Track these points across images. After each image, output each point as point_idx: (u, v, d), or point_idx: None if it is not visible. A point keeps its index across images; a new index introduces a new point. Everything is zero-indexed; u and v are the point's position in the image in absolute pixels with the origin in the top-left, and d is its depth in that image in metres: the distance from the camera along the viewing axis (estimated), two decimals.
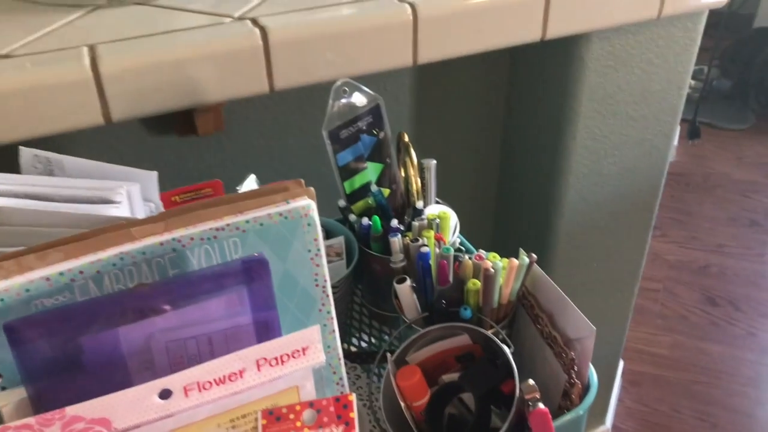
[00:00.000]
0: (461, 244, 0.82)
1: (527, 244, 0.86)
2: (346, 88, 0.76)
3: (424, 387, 0.65)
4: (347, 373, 0.78)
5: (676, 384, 1.74)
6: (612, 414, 1.62)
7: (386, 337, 0.88)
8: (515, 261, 0.66)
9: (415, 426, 0.65)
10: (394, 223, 0.76)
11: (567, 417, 0.63)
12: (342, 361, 0.61)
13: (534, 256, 0.67)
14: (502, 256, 0.69)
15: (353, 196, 0.82)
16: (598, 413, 1.55)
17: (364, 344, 0.90)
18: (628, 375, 1.76)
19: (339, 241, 0.81)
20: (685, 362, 1.80)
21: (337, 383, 0.61)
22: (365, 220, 0.79)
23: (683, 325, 1.90)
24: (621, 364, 1.72)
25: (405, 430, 0.65)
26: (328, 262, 0.69)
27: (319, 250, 0.58)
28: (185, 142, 0.94)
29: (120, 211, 0.57)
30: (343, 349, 0.71)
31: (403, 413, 0.66)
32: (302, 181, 0.59)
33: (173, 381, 0.47)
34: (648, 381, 1.75)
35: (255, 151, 1.00)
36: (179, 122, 0.90)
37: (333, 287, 0.63)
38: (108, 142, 0.89)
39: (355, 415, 0.54)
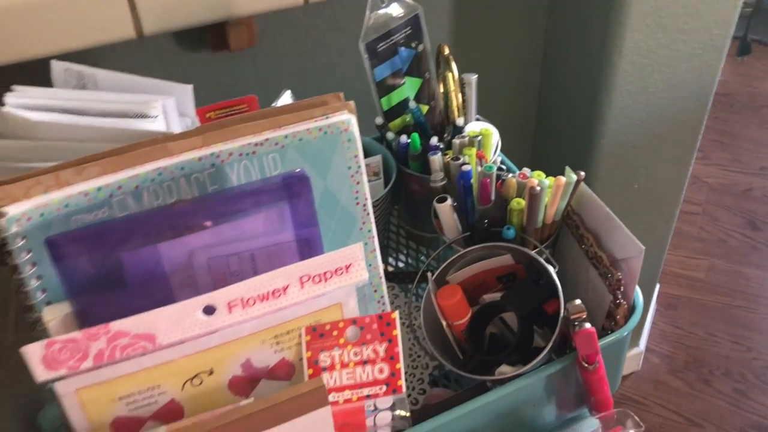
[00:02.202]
0: (502, 162, 0.79)
1: (567, 165, 0.83)
2: None
3: (465, 306, 0.64)
4: None
5: (712, 308, 1.73)
6: (646, 337, 1.61)
7: (423, 258, 0.87)
8: (562, 179, 0.64)
9: (456, 345, 0.65)
10: (434, 140, 0.73)
11: (612, 337, 0.62)
12: (383, 280, 0.60)
13: (582, 173, 0.64)
14: None
15: (390, 113, 0.80)
16: (632, 336, 1.54)
17: (401, 265, 0.90)
18: (664, 298, 1.74)
19: (376, 159, 0.79)
20: (722, 286, 1.77)
21: (378, 301, 0.60)
22: (403, 138, 0.76)
23: (722, 248, 1.87)
24: (657, 287, 1.70)
25: (445, 349, 0.65)
26: None
27: (359, 167, 0.56)
28: (218, 57, 0.92)
29: (156, 125, 0.56)
30: None
31: (442, 332, 0.66)
32: (341, 94, 0.57)
33: (217, 297, 0.47)
34: (683, 304, 1.74)
35: (289, 67, 0.97)
36: (212, 37, 0.87)
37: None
38: (139, 58, 0.87)
39: (398, 332, 0.53)
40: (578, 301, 0.57)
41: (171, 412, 0.49)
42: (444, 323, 0.63)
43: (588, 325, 0.56)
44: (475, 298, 0.66)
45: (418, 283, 0.70)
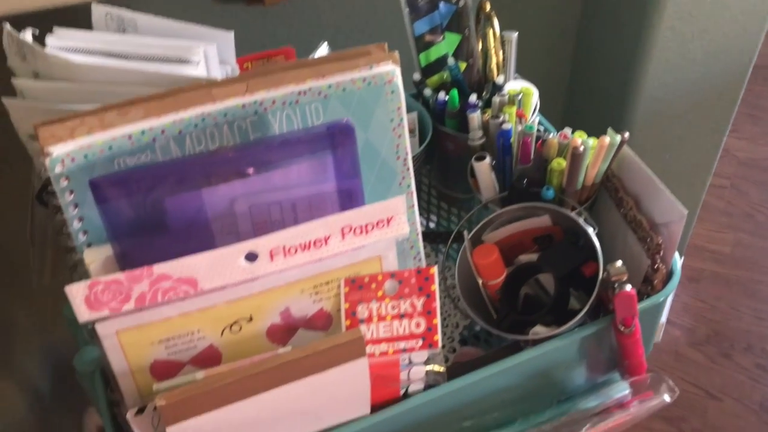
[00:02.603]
0: (540, 123, 0.78)
1: (598, 130, 0.81)
2: None
3: (500, 266, 0.63)
4: None
5: (736, 282, 1.71)
6: (667, 309, 1.60)
7: (454, 219, 0.87)
8: (606, 139, 0.62)
9: (490, 305, 0.64)
10: (473, 98, 0.72)
11: (649, 302, 0.61)
12: (420, 237, 0.59)
13: (626, 134, 0.63)
14: None
15: (428, 70, 0.78)
16: None
17: (431, 225, 0.89)
18: (687, 271, 1.73)
19: (412, 117, 0.78)
20: (748, 261, 1.75)
21: (415, 257, 0.60)
22: (441, 95, 0.75)
23: (749, 223, 1.84)
24: (681, 259, 1.69)
25: (478, 309, 0.65)
26: None
27: (401, 120, 0.55)
28: (252, 11, 0.90)
29: (197, 71, 0.55)
30: None
31: (476, 292, 0.65)
32: (385, 45, 0.56)
33: (259, 244, 0.47)
34: (707, 278, 1.72)
35: (323, 21, 0.95)
36: None
37: None
38: (171, 10, 0.86)
39: (436, 287, 0.53)
40: (619, 263, 0.56)
41: (209, 357, 0.50)
42: (479, 281, 0.63)
43: (629, 287, 0.56)
44: (510, 258, 0.66)
45: (451, 244, 0.70)
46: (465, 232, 0.64)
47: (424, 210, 0.89)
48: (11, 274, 1.18)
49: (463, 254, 0.64)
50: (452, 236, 0.68)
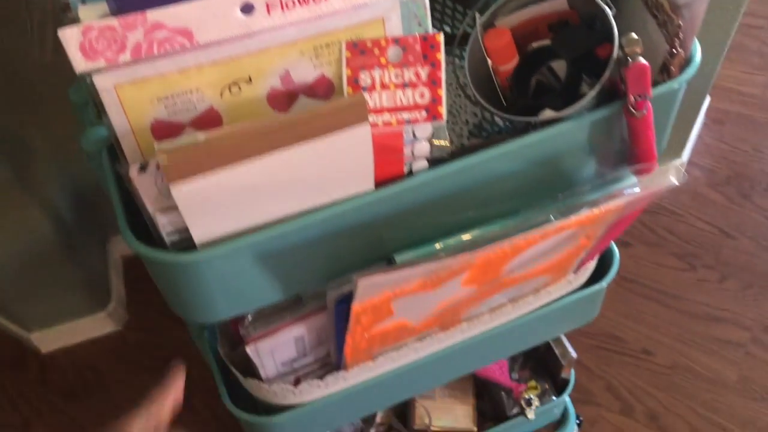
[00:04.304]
0: None
1: None
2: None
3: (512, 50, 0.61)
4: None
5: (763, 124, 1.67)
6: (689, 150, 1.58)
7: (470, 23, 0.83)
8: None
9: (500, 91, 0.63)
10: None
11: (665, 87, 0.59)
12: (428, 12, 0.57)
13: None
14: None
15: None
16: (675, 146, 1.51)
17: (446, 28, 0.86)
18: (713, 113, 1.68)
19: None
20: None
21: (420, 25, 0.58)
22: None
23: None
24: (707, 100, 1.64)
25: (489, 98, 0.63)
26: None
27: None
28: None
29: None
30: None
31: (487, 82, 0.64)
32: None
33: None
34: (733, 120, 1.68)
35: None
36: None
37: None
38: None
39: (441, 56, 0.51)
40: (633, 35, 0.54)
41: (210, 119, 0.49)
42: (490, 63, 0.61)
43: (642, 60, 0.54)
44: (524, 47, 0.63)
45: (461, 40, 0.67)
46: (477, 14, 0.61)
47: (439, 12, 0.86)
48: (30, 101, 1.19)
49: (475, 40, 0.62)
50: (462, 27, 0.65)
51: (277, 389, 0.74)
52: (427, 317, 0.70)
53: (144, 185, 0.48)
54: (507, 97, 0.63)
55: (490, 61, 0.60)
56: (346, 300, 0.59)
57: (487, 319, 0.78)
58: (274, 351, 0.69)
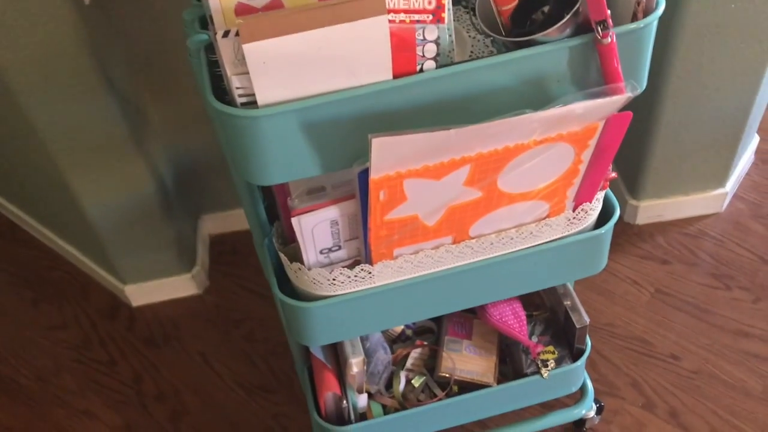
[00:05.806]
0: None
1: None
2: None
3: None
4: None
5: None
6: (734, 182, 1.66)
7: None
8: None
9: (501, 27, 0.81)
10: None
11: (630, 26, 0.75)
12: None
13: None
14: None
15: None
16: (718, 175, 1.60)
17: None
18: (764, 153, 1.77)
19: None
20: None
21: None
22: None
23: None
24: (756, 140, 1.74)
25: (494, 29, 0.81)
26: None
27: None
28: None
29: None
30: None
31: (491, 22, 0.81)
32: None
33: None
34: None
35: None
36: None
37: None
38: None
39: None
40: None
41: (276, 4, 0.70)
42: (493, 3, 0.79)
43: None
44: None
45: None
46: None
47: None
48: (150, 77, 1.44)
49: None
50: None
51: (316, 275, 0.91)
52: (437, 218, 0.86)
53: (225, 48, 0.69)
54: (507, 31, 0.81)
55: (494, 3, 0.79)
56: (367, 172, 0.76)
57: (494, 240, 0.93)
58: (314, 230, 0.86)
